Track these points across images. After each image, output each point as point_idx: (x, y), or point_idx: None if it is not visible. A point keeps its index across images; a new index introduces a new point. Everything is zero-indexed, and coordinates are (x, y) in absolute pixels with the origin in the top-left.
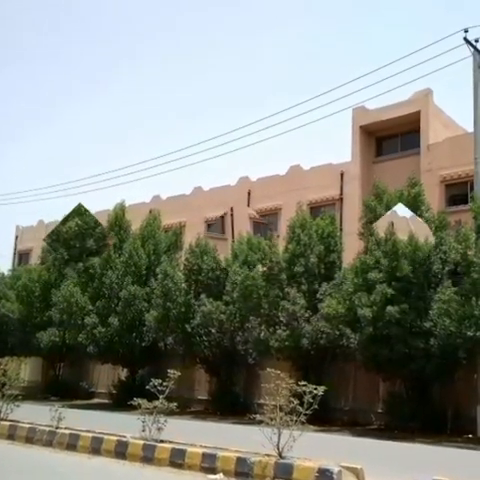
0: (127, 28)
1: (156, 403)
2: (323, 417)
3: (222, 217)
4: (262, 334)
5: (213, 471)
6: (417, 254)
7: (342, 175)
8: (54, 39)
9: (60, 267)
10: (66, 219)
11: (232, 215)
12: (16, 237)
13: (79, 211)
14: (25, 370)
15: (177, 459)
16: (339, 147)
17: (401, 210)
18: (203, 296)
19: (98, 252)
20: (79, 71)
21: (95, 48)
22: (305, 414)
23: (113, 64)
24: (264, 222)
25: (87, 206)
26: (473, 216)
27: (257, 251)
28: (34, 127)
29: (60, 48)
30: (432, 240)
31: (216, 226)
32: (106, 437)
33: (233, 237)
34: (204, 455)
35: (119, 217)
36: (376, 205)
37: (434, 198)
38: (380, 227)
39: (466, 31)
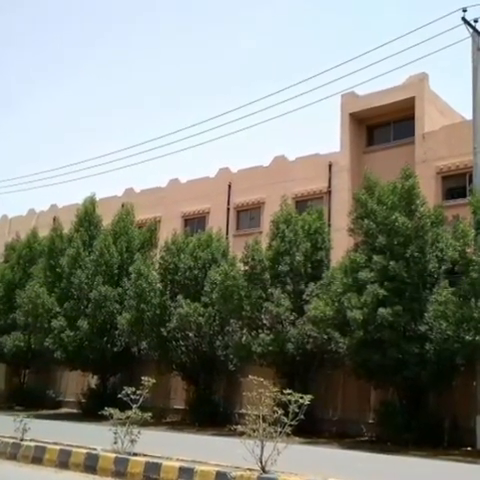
0: (95, 9)
1: (129, 413)
2: (310, 428)
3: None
4: (244, 338)
5: None
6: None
7: (330, 166)
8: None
9: (25, 266)
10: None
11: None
12: None
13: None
14: None
15: (152, 473)
16: (327, 136)
17: None
18: (180, 297)
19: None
20: (44, 55)
21: (61, 30)
22: (290, 425)
23: (80, 47)
24: None
25: (55, 200)
26: (472, 211)
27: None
28: None
29: (24, 31)
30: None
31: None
32: (75, 450)
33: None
34: (181, 469)
35: (89, 212)
36: (367, 199)
37: (430, 191)
38: None
39: (464, 10)
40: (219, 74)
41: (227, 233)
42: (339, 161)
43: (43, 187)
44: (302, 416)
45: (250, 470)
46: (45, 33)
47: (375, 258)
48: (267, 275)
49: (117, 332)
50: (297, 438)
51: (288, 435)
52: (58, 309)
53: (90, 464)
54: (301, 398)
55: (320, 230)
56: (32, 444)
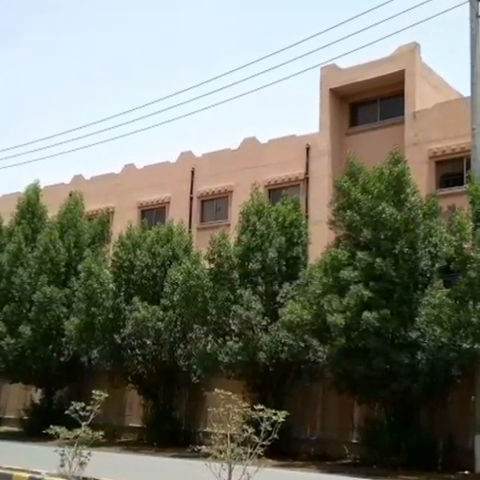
0: None
1: (78, 432)
2: (284, 449)
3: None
4: (209, 346)
5: None
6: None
7: (308, 150)
8: None
9: None
10: None
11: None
12: None
13: None
14: None
15: None
16: (304, 115)
17: None
18: (136, 299)
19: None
20: None
21: None
22: (262, 445)
23: (18, 15)
24: None
25: None
26: (470, 200)
27: None
28: None
29: None
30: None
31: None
32: (16, 474)
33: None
34: None
35: (32, 202)
36: (350, 186)
37: (422, 178)
38: None
39: None
40: (181, 44)
41: (190, 226)
42: (318, 144)
43: None
44: (276, 435)
45: None
46: None
47: (359, 255)
48: (236, 274)
49: (64, 339)
50: (270, 460)
51: (260, 457)
52: None
53: None
54: (274, 415)
55: (296, 222)
56: None
